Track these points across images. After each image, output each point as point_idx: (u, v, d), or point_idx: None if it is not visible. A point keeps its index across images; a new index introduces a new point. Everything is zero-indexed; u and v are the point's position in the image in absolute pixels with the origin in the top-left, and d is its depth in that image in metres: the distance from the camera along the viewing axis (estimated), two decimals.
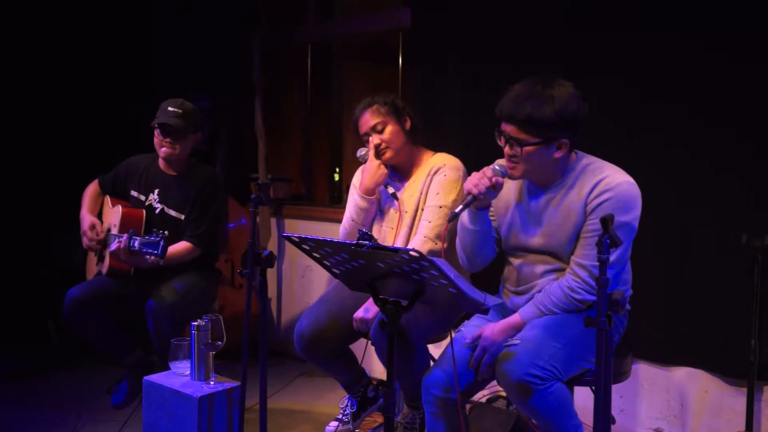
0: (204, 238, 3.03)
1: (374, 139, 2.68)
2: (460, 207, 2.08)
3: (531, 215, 2.18)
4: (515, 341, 2.03)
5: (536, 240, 2.17)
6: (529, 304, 2.17)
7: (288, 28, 4.36)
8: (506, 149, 2.07)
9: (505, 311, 2.30)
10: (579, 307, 2.10)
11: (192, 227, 3.02)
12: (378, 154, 2.69)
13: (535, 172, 2.11)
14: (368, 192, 2.71)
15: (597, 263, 1.89)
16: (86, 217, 3.09)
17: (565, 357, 1.99)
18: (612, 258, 1.98)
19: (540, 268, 2.19)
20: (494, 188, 2.07)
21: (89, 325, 2.95)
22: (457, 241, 2.28)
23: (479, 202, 2.09)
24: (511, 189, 2.24)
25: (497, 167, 2.09)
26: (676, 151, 2.67)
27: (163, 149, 3.01)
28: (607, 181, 2.04)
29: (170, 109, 2.99)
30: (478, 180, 2.06)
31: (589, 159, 2.15)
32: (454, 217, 2.10)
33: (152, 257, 2.75)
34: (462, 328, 2.27)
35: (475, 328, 2.22)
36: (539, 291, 2.18)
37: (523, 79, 2.09)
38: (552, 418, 1.95)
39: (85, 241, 3.06)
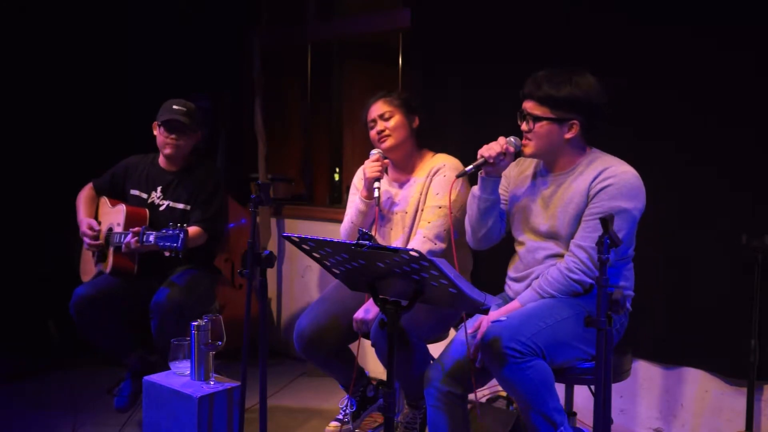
0: (211, 223, 3.07)
1: (378, 126, 2.69)
2: (470, 167, 2.23)
3: (542, 199, 2.27)
4: (502, 318, 2.10)
5: (544, 222, 2.24)
6: (527, 290, 2.23)
7: (288, 28, 4.36)
8: (522, 126, 2.22)
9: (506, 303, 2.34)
10: (576, 290, 2.15)
11: (199, 212, 3.06)
12: (379, 141, 2.70)
13: (546, 151, 2.22)
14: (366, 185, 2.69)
15: (596, 246, 1.90)
16: (83, 220, 3.12)
17: (550, 337, 2.03)
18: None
19: (541, 254, 2.25)
20: (504, 155, 2.21)
21: (95, 322, 2.96)
22: (467, 215, 2.39)
23: (491, 169, 2.23)
24: (527, 175, 2.35)
25: (512, 138, 2.23)
26: (676, 151, 2.67)
27: (168, 148, 3.06)
28: (612, 170, 2.14)
29: (175, 107, 3.04)
30: (491, 146, 2.22)
31: (599, 153, 2.24)
32: (462, 174, 2.27)
33: (170, 251, 2.75)
34: (461, 327, 2.28)
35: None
36: (536, 277, 2.23)
37: (523, 79, 2.16)
38: (530, 394, 1.98)
39: (86, 242, 3.08)
